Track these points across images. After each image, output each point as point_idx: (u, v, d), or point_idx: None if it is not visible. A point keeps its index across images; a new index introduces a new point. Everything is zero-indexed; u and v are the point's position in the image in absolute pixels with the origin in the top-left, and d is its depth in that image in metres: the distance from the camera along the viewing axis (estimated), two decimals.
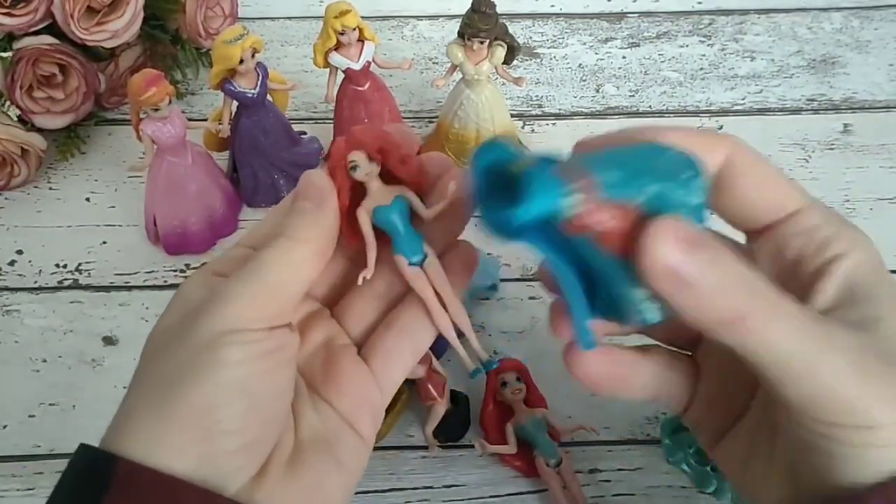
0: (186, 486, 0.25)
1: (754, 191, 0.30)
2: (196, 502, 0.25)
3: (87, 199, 0.61)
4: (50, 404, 0.50)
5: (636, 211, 0.25)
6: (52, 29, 0.58)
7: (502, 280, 0.55)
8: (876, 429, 0.25)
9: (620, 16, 0.75)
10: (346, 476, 0.31)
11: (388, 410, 0.47)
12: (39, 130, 0.60)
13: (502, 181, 0.26)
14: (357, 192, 0.32)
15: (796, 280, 0.29)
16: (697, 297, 0.25)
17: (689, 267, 0.25)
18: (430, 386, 0.46)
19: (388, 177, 0.32)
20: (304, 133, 0.61)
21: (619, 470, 0.47)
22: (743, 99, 0.67)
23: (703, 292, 0.25)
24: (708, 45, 0.72)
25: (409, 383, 0.47)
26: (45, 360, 0.51)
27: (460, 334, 0.33)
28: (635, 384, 0.32)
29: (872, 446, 0.25)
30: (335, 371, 0.32)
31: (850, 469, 0.25)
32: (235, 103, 0.55)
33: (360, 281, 0.32)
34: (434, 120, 0.64)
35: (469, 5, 0.54)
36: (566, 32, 0.73)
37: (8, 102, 0.59)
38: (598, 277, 0.27)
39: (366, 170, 0.31)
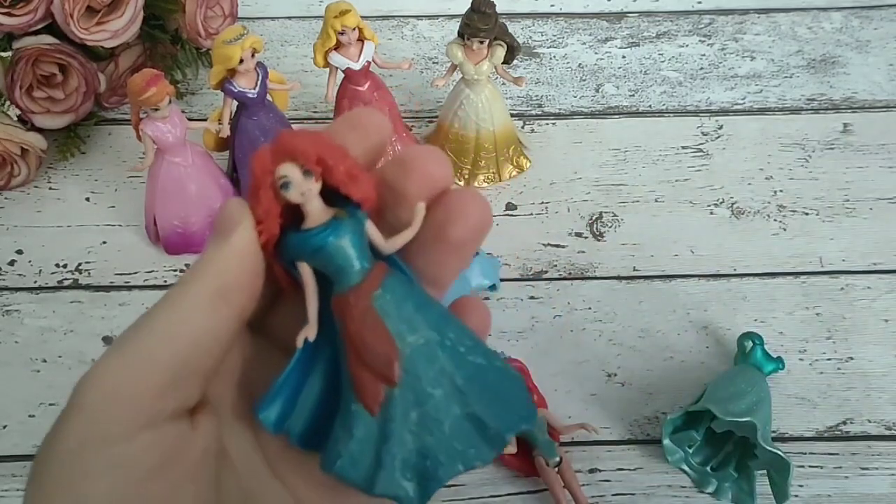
0: None
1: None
2: None
3: (87, 199, 0.61)
4: (50, 404, 0.50)
5: (392, 349, 0.22)
6: (52, 29, 0.58)
7: (502, 280, 0.55)
8: None
9: (620, 15, 0.75)
10: None
11: None
12: (39, 130, 0.60)
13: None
14: (292, 219, 0.24)
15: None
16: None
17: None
18: None
19: (330, 197, 0.23)
20: None
21: (619, 470, 0.47)
22: (743, 98, 0.67)
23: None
24: (708, 44, 0.72)
25: None
26: (45, 361, 0.51)
27: None
28: None
29: None
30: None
31: None
32: (235, 103, 0.55)
33: (299, 343, 0.23)
34: (434, 120, 0.64)
35: (469, 5, 0.54)
36: (566, 32, 0.73)
37: (8, 102, 0.59)
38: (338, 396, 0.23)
39: (301, 188, 0.22)
